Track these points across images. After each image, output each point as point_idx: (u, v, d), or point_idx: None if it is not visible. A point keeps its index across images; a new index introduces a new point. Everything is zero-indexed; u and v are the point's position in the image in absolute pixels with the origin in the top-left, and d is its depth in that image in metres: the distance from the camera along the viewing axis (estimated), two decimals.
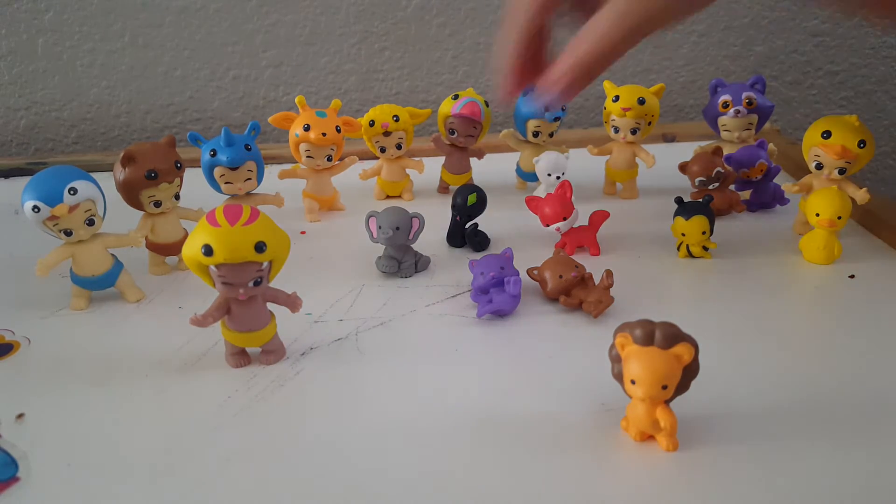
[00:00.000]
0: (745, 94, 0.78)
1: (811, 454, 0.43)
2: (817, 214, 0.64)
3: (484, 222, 0.73)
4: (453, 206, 0.68)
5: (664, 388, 0.41)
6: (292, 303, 0.52)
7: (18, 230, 0.73)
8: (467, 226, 0.70)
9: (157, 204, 0.64)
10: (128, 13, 1.00)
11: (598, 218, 0.69)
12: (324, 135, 0.73)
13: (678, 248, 0.68)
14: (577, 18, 0.41)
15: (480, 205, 0.68)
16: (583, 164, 0.83)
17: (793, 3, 1.09)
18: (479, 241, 0.69)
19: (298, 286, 0.53)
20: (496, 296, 0.57)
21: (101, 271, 0.60)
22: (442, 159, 0.84)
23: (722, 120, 0.80)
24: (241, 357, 0.53)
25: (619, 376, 0.43)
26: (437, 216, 0.75)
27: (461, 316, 0.59)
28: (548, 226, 0.68)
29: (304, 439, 0.45)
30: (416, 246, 0.66)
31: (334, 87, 1.07)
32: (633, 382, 0.41)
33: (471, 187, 0.69)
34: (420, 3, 1.03)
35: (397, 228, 0.63)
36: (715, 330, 0.55)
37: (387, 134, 0.78)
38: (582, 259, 0.67)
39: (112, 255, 0.62)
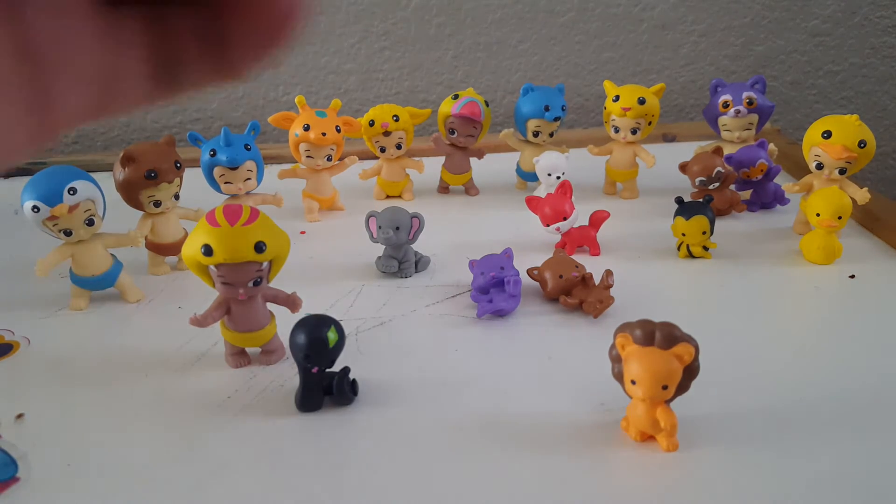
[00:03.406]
0: (745, 94, 0.78)
1: (811, 454, 0.43)
2: (818, 214, 0.64)
3: (484, 222, 0.73)
4: (306, 357, 0.45)
5: (664, 388, 0.40)
6: (292, 303, 0.52)
7: (18, 230, 0.73)
8: (332, 375, 0.47)
9: (157, 204, 0.64)
10: None
11: (599, 218, 0.69)
12: (324, 135, 0.73)
13: (678, 248, 0.68)
14: None
15: (342, 339, 0.47)
16: (583, 164, 0.83)
17: (793, 2, 1.09)
18: (353, 391, 0.48)
19: (298, 286, 0.53)
20: (496, 296, 0.57)
21: (100, 271, 0.60)
22: (442, 159, 0.84)
23: (722, 120, 0.80)
24: (240, 357, 0.53)
25: (619, 376, 0.43)
26: (437, 216, 0.75)
27: (461, 316, 0.59)
28: (548, 226, 0.68)
29: (305, 439, 0.45)
30: (416, 246, 0.66)
31: (334, 86, 1.07)
32: (633, 382, 0.41)
33: (319, 322, 0.46)
34: (420, 3, 1.03)
35: (397, 228, 0.63)
36: (715, 330, 0.55)
37: (387, 134, 0.78)
38: (582, 259, 0.67)
39: (112, 255, 0.62)
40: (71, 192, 0.56)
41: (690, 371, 0.41)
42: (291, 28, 0.17)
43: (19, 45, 0.15)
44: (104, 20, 0.16)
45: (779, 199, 0.78)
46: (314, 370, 0.46)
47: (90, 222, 0.58)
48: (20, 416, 0.47)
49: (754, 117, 0.79)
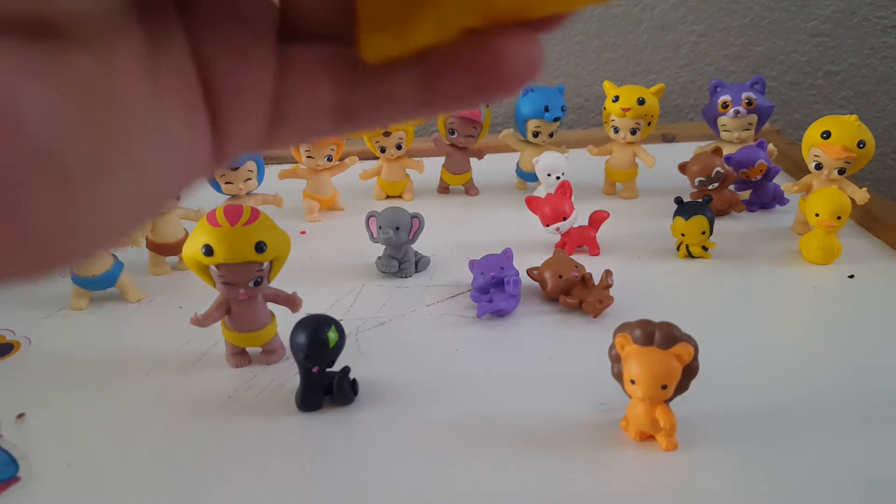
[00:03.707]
0: (744, 95, 0.78)
1: (810, 453, 0.43)
2: (817, 214, 0.64)
3: (484, 222, 0.73)
4: (306, 357, 0.45)
5: (663, 387, 0.41)
6: (292, 303, 0.52)
7: None
8: (333, 375, 0.47)
9: None
10: None
11: (598, 218, 0.69)
12: None
13: (678, 248, 0.68)
14: None
15: (343, 339, 0.47)
16: (583, 164, 0.83)
17: (792, 3, 1.09)
18: (353, 390, 0.48)
19: (298, 286, 0.53)
20: (496, 296, 0.58)
21: (101, 271, 0.60)
22: (442, 159, 0.84)
23: (722, 120, 0.80)
24: (241, 357, 0.53)
25: (618, 376, 0.43)
26: (437, 216, 0.75)
27: (461, 316, 0.59)
28: (548, 226, 0.68)
29: (305, 439, 0.45)
30: (416, 246, 0.66)
31: None
32: (632, 382, 0.41)
33: (319, 322, 0.46)
34: None
35: (397, 228, 0.63)
36: (714, 330, 0.55)
37: (387, 134, 0.78)
38: (582, 259, 0.67)
39: (112, 254, 0.62)
40: None
41: (690, 371, 0.41)
42: (520, 84, 0.16)
43: (199, 74, 0.15)
44: (285, 52, 0.16)
45: (778, 199, 0.78)
46: (314, 370, 0.46)
47: None
48: (21, 415, 0.48)
49: (753, 118, 0.79)
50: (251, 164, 0.68)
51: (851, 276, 0.64)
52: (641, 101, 0.76)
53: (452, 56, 0.16)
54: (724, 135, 0.81)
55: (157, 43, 0.15)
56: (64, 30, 0.12)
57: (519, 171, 0.85)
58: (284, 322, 0.53)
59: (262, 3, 0.17)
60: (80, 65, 0.13)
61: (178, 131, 0.15)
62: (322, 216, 0.80)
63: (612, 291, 0.59)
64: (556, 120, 0.79)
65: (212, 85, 0.15)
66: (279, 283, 0.52)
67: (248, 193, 0.70)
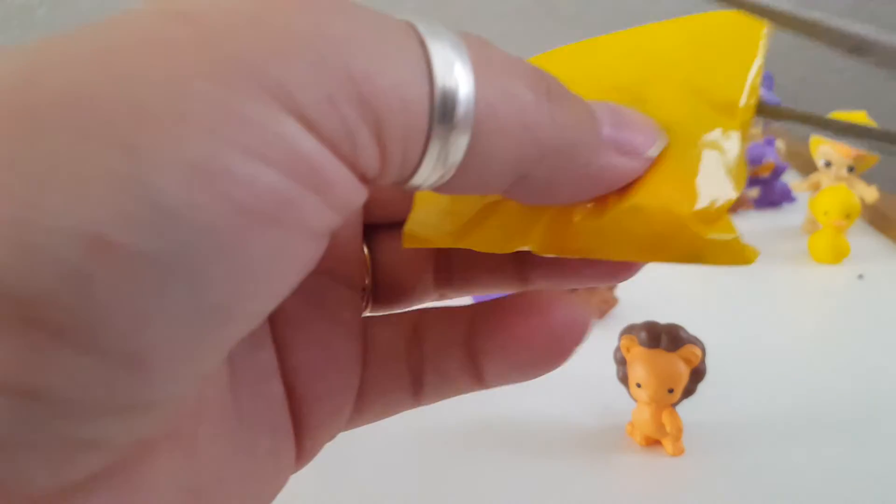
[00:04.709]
0: None
1: (819, 458, 0.42)
2: (825, 213, 0.63)
3: None
4: None
5: (670, 391, 0.40)
6: None
7: None
8: None
9: None
10: (122, 10, 0.99)
11: None
12: None
13: None
14: None
15: None
16: None
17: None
18: None
19: None
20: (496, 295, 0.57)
21: None
22: None
23: None
24: None
25: (624, 379, 0.42)
26: None
27: None
28: None
29: None
30: None
31: None
32: (638, 386, 0.40)
33: None
34: (417, 5, 1.02)
35: None
36: (721, 331, 0.54)
37: None
38: None
39: None
40: None
41: (697, 374, 0.40)
42: (562, 361, 0.16)
43: (285, 384, 0.16)
44: (369, 336, 0.17)
45: (786, 197, 0.77)
46: None
47: None
48: None
49: None
50: None
51: (861, 277, 0.63)
52: None
53: (497, 340, 0.17)
54: None
55: (243, 374, 0.14)
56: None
57: None
58: None
59: (351, 293, 0.17)
60: (159, 470, 0.12)
61: (264, 471, 0.15)
62: None
63: (616, 293, 0.58)
64: None
65: (297, 397, 0.16)
66: None
67: None
